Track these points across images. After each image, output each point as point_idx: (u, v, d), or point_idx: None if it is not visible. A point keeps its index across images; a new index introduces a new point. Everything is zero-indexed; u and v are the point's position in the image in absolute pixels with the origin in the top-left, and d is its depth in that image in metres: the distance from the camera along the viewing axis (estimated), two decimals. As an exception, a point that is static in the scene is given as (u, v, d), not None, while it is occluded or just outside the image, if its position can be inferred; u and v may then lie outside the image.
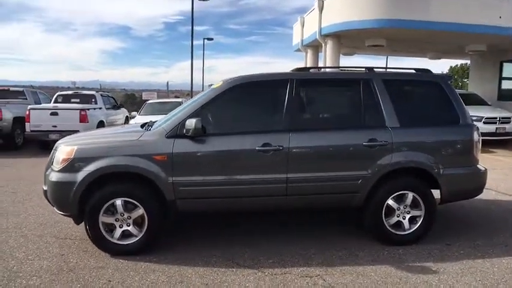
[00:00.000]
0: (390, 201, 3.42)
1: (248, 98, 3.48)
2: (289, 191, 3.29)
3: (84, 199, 3.15)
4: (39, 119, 9.08)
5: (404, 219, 3.48)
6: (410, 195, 3.43)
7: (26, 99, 10.76)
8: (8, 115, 9.34)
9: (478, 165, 3.63)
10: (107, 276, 2.86)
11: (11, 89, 11.24)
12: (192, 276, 2.87)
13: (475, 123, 3.75)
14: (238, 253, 3.26)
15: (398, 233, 3.45)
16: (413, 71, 3.77)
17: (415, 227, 3.47)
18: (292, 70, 3.69)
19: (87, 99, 11.10)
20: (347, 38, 11.83)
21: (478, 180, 3.65)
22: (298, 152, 3.30)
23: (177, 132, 3.22)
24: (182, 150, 3.20)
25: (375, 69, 3.69)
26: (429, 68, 3.78)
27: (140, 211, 3.19)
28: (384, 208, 3.41)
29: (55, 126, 9.11)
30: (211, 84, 4.27)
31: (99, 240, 3.19)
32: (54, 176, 3.22)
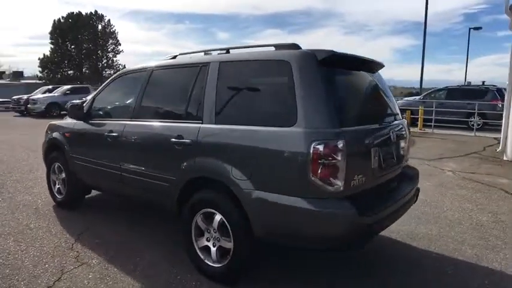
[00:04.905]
0: (199, 218, 2.66)
1: (122, 88, 3.62)
2: (124, 180, 3.26)
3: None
4: None
5: (214, 246, 2.61)
6: (218, 217, 2.53)
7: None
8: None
9: (323, 200, 2.10)
10: (28, 214, 4.04)
11: None
12: (60, 238, 3.42)
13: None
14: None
15: (208, 262, 2.64)
16: (272, 48, 2.55)
17: (225, 263, 2.53)
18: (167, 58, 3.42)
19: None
20: None
21: (312, 222, 2.11)
22: (125, 142, 3.19)
23: (78, 115, 3.92)
24: (75, 130, 3.88)
25: (231, 50, 2.83)
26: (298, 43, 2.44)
27: (63, 175, 4.16)
28: (193, 224, 2.71)
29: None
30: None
31: (50, 190, 4.43)
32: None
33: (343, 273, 2.78)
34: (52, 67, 37.81)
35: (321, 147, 2.07)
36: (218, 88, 2.61)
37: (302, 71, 2.25)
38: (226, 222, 2.47)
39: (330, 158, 2.07)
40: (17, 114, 19.41)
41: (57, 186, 4.32)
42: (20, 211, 4.13)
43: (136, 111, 3.22)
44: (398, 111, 3.14)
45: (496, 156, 7.97)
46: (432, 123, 11.81)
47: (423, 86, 19.74)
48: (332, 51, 2.30)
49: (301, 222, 2.16)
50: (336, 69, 2.41)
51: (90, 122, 3.70)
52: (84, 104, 3.87)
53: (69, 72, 38.73)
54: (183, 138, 2.69)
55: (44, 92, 19.88)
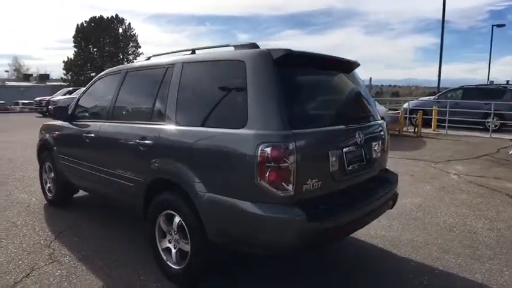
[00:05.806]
0: (161, 220, 2.66)
1: (101, 90, 3.67)
2: (99, 180, 3.30)
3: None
4: None
5: (175, 248, 2.59)
6: (177, 219, 2.52)
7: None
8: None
9: (272, 205, 2.04)
10: (19, 211, 4.18)
11: None
12: (44, 230, 3.62)
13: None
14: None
15: (169, 263, 2.63)
16: (232, 48, 2.51)
17: (183, 265, 2.51)
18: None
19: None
20: None
21: (261, 228, 2.04)
22: (101, 143, 3.23)
23: (65, 116, 4.02)
24: (60, 131, 3.98)
25: (197, 50, 2.81)
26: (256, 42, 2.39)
27: (52, 174, 4.27)
28: (156, 225, 2.70)
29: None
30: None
31: (42, 189, 4.55)
32: None
33: (297, 284, 2.70)
34: (76, 69, 39.10)
35: (268, 150, 2.00)
36: (180, 89, 2.60)
37: (255, 71, 2.19)
38: (184, 225, 2.45)
39: (279, 162, 2.01)
40: (39, 115, 20.18)
41: (48, 185, 4.44)
42: (12, 208, 4.26)
43: (110, 113, 3.26)
44: (375, 112, 3.03)
45: (508, 158, 7.58)
46: (446, 124, 11.38)
47: (448, 86, 19.01)
48: (289, 49, 2.24)
49: (250, 228, 2.10)
50: (295, 68, 2.33)
51: (73, 123, 3.78)
52: (69, 106, 3.97)
53: (91, 74, 39.85)
54: (146, 140, 2.70)
55: (65, 94, 20.58)
